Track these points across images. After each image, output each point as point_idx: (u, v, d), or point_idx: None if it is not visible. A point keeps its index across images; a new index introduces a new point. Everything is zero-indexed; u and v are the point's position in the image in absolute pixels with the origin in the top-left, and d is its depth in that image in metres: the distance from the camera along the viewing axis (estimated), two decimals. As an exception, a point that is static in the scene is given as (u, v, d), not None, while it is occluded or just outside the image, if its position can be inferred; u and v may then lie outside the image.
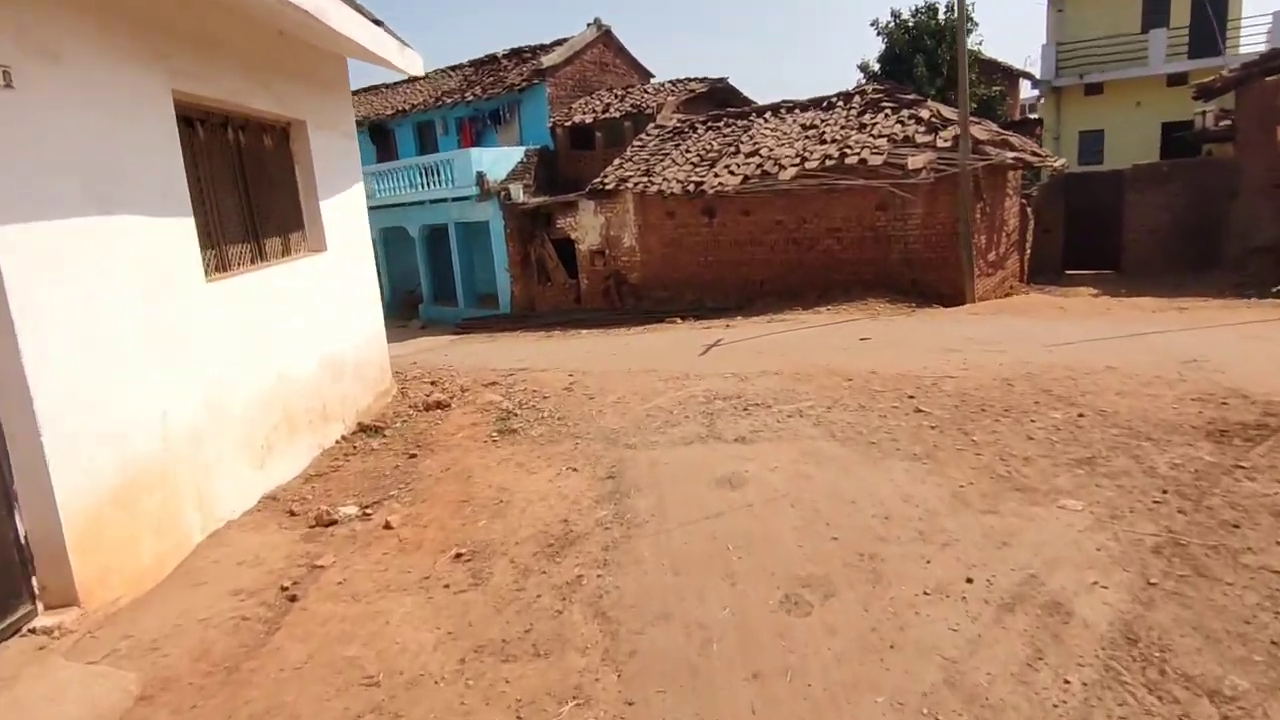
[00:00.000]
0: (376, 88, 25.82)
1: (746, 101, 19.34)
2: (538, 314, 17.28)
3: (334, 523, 4.37)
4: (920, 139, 12.69)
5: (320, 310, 5.99)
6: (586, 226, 16.43)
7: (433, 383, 8.92)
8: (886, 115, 13.89)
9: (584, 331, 13.83)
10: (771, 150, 14.20)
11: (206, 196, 4.73)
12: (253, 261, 5.21)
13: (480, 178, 17.32)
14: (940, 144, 12.34)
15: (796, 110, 15.77)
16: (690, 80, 20.06)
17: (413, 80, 24.68)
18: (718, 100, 19.72)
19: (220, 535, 4.27)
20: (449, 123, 21.40)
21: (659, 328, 12.53)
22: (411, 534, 4.18)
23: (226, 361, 4.59)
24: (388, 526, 4.28)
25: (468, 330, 17.00)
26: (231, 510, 4.49)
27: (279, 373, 5.14)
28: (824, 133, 14.09)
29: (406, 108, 21.74)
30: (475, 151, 17.64)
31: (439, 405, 7.12)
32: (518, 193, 17.33)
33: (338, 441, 6.00)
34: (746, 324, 11.41)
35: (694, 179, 14.38)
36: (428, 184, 18.34)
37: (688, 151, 15.71)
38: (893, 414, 5.58)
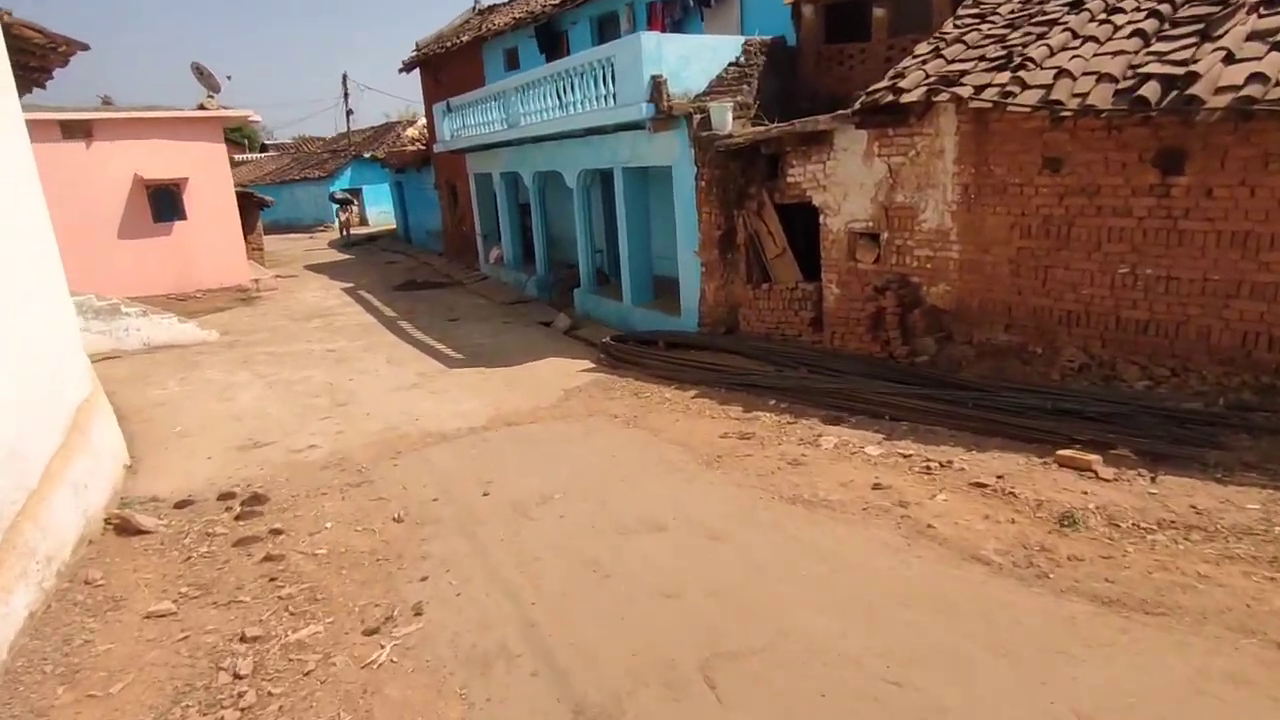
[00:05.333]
0: (557, -24, 18.82)
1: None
2: (739, 340, 9.53)
3: None
4: None
5: None
6: (845, 182, 8.25)
7: None
8: None
9: (827, 433, 5.90)
10: None
11: None
12: None
13: (657, 87, 9.66)
14: None
15: None
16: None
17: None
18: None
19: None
20: (635, 10, 13.81)
21: (1063, 490, 4.22)
22: None
23: None
24: None
25: (614, 359, 9.74)
26: None
27: None
28: None
29: (580, -7, 14.47)
30: (648, 38, 9.79)
31: None
32: (722, 116, 9.45)
33: None
34: None
35: (1160, 67, 5.62)
36: (581, 101, 11.09)
37: (1111, 13, 6.80)
38: None
